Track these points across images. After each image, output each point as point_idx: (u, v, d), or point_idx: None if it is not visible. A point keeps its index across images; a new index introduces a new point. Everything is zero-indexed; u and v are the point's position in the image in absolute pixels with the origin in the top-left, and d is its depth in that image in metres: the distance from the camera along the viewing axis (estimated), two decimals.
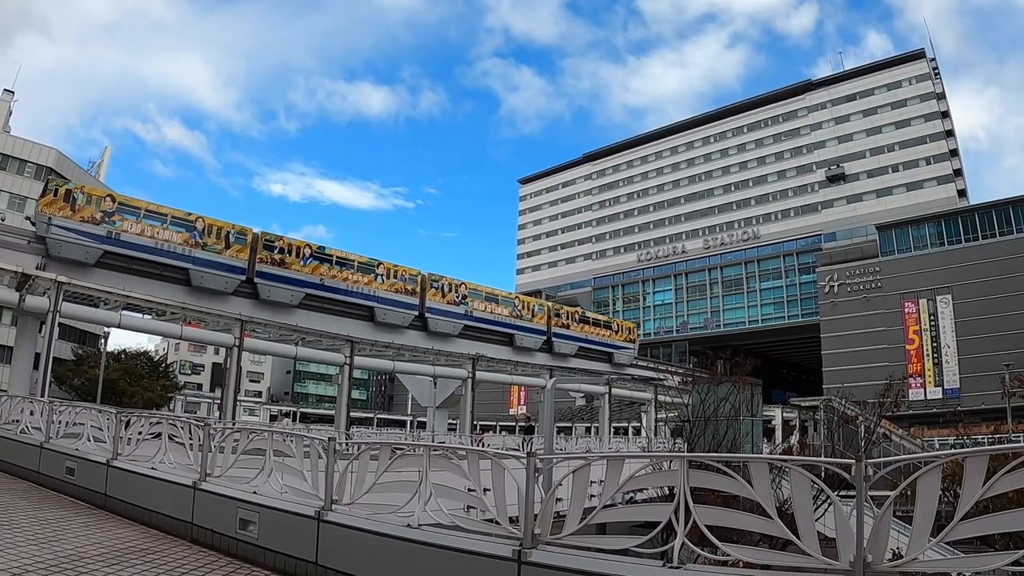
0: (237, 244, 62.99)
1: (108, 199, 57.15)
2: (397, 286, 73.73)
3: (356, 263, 71.45)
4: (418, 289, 75.34)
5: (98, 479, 14.01)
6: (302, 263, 67.04)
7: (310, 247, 68.88)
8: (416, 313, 74.47)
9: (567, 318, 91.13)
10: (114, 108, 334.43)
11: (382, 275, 72.95)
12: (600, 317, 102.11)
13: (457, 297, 78.65)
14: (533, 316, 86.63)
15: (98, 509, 13.42)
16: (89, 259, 54.57)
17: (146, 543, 10.54)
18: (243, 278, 63.15)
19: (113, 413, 15.34)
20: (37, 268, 42.91)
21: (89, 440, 15.86)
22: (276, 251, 65.72)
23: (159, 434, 13.76)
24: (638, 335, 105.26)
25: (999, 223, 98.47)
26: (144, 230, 57.73)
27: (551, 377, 52.95)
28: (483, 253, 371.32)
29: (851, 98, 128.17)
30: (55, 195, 54.51)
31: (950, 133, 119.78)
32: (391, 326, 71.46)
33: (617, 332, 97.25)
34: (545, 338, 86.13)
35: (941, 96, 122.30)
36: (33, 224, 54.94)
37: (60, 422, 17.29)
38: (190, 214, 61.53)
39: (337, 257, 70.46)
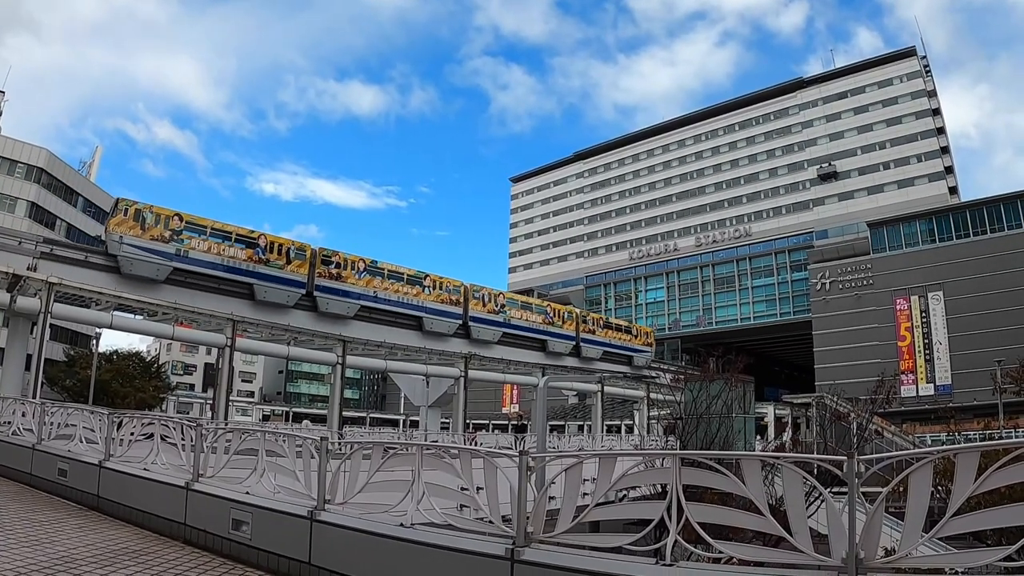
0: (297, 259, 65.59)
1: (176, 218, 58.85)
2: (443, 297, 76.76)
3: (405, 275, 74.16)
4: (461, 299, 78.31)
5: (91, 480, 13.97)
6: (356, 276, 69.81)
7: (363, 261, 71.49)
8: (460, 322, 77.26)
9: (593, 324, 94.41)
10: (104, 108, 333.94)
11: (429, 287, 75.86)
12: (621, 322, 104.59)
13: (496, 306, 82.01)
14: (563, 323, 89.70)
15: (91, 511, 13.38)
16: (159, 276, 56.64)
17: (139, 544, 10.51)
18: (303, 292, 65.67)
19: (105, 414, 15.29)
20: (28, 269, 42.77)
21: (81, 441, 15.80)
22: (333, 266, 68.24)
23: (151, 435, 13.74)
24: (654, 339, 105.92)
25: (990, 220, 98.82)
26: (210, 247, 60.09)
27: (543, 375, 52.99)
28: (476, 252, 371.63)
29: (842, 96, 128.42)
30: (125, 214, 56.04)
31: (941, 130, 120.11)
32: (437, 334, 73.81)
33: (636, 336, 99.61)
34: (574, 343, 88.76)
35: (932, 94, 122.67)
36: (103, 242, 56.80)
37: (52, 423, 17.26)
38: (253, 231, 64.15)
39: (388, 270, 73.06)
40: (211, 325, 45.29)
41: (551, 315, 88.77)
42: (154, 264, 56.41)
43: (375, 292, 70.78)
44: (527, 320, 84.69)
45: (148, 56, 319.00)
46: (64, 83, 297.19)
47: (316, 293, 66.55)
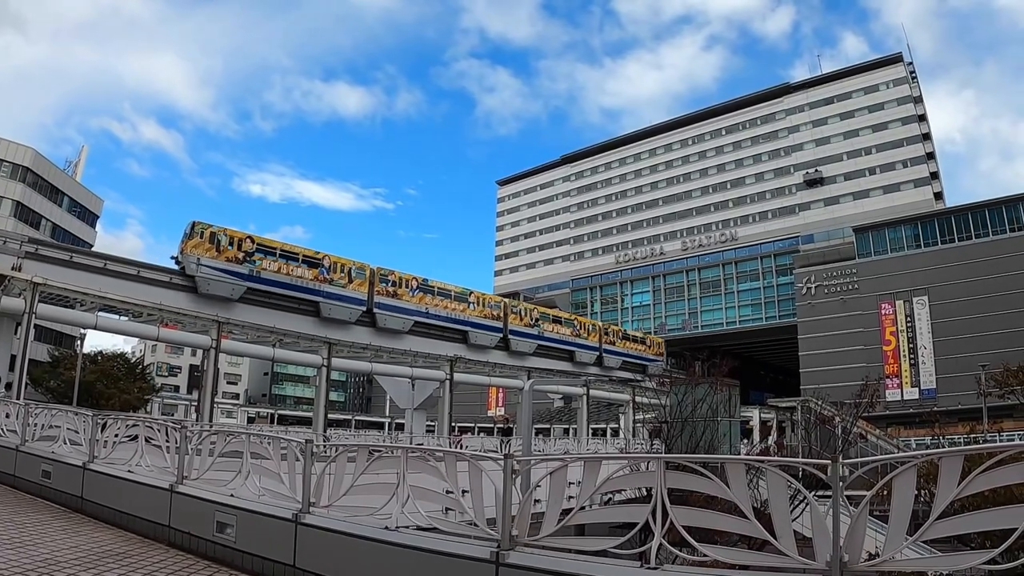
0: (358, 278, 70.55)
1: (248, 240, 63.21)
2: (485, 312, 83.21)
3: (452, 292, 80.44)
4: (501, 314, 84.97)
5: (74, 482, 13.91)
6: (411, 294, 75.48)
7: (416, 279, 77.10)
8: (500, 335, 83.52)
9: (613, 335, 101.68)
10: (89, 107, 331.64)
11: (473, 303, 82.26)
12: (637, 334, 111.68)
13: (531, 320, 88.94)
14: (588, 335, 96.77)
15: (75, 512, 13.32)
16: (234, 295, 60.84)
17: (123, 547, 10.47)
18: (364, 309, 70.45)
19: (89, 416, 15.23)
20: (13, 269, 42.58)
21: (65, 443, 15.75)
22: (389, 284, 73.56)
23: (136, 437, 13.69)
24: (665, 349, 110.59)
25: (975, 225, 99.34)
26: (280, 268, 64.80)
27: (529, 378, 53.03)
28: (463, 254, 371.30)
29: (829, 101, 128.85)
30: (201, 237, 59.85)
31: (927, 136, 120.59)
32: (480, 347, 79.21)
33: (650, 347, 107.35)
34: (597, 354, 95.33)
35: (918, 99, 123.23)
36: (178, 263, 59.79)
37: (36, 424, 17.17)
38: (318, 253, 68.96)
39: (438, 288, 78.97)
40: (196, 327, 45.14)
41: (578, 328, 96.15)
42: (229, 284, 60.72)
43: (427, 308, 76.14)
44: (558, 333, 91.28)
45: (134, 55, 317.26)
46: (49, 81, 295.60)
47: (375, 310, 71.35)
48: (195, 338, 45.71)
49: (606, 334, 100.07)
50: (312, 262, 67.43)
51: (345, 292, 68.94)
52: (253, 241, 63.68)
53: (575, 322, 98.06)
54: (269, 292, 63.50)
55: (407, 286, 75.57)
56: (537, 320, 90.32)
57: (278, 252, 65.39)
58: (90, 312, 41.90)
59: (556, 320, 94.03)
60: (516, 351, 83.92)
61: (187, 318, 46.07)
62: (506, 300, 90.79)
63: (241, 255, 61.70)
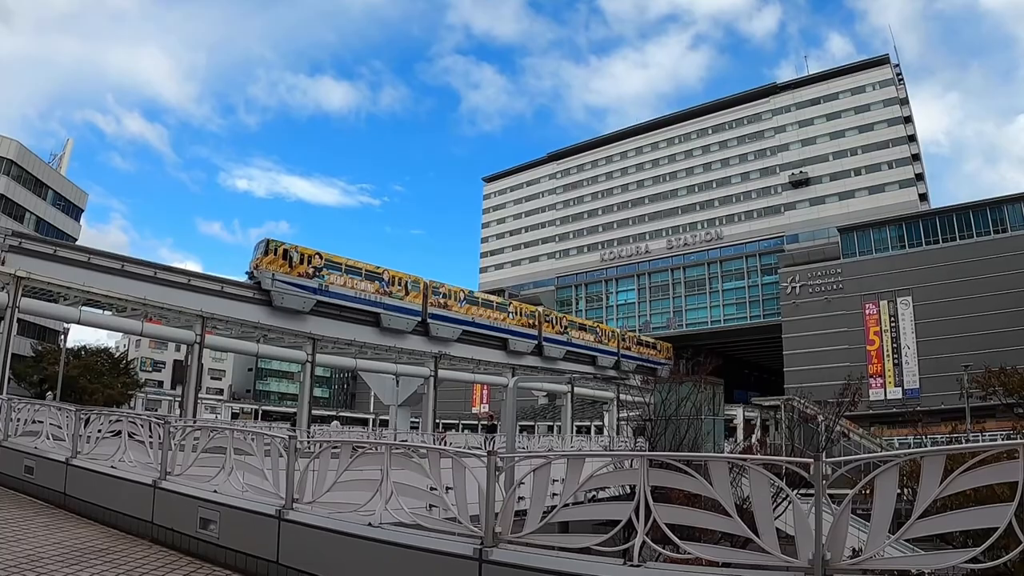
0: (413, 291, 77.74)
1: (317, 256, 69.56)
2: (523, 321, 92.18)
3: (495, 303, 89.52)
4: (536, 323, 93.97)
5: (57, 478, 13.84)
6: (459, 305, 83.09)
7: (463, 291, 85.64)
8: (535, 342, 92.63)
9: (629, 342, 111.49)
10: (73, 99, 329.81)
11: (512, 312, 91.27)
12: (649, 339, 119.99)
13: (561, 328, 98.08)
14: (609, 341, 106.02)
15: (57, 508, 13.26)
16: (305, 308, 67.21)
17: (106, 543, 10.43)
18: (419, 319, 77.71)
19: (72, 411, 15.15)
20: None
21: (48, 438, 15.67)
22: (440, 296, 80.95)
23: (119, 432, 13.62)
24: (673, 352, 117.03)
25: (959, 227, 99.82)
26: (345, 282, 71.32)
27: (513, 375, 53.02)
28: (449, 251, 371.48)
29: (815, 102, 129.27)
30: (275, 254, 66.13)
31: (912, 138, 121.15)
32: (518, 353, 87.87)
33: (660, 351, 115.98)
34: (616, 358, 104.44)
35: (904, 101, 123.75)
36: (251, 277, 66.19)
37: (19, 419, 17.07)
38: (378, 268, 75.57)
39: (482, 299, 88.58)
40: (180, 321, 44.95)
41: (600, 334, 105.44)
42: (301, 298, 67.03)
43: (473, 318, 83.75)
44: (583, 339, 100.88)
45: (118, 47, 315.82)
46: (32, 73, 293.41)
47: (429, 320, 78.63)
48: (179, 333, 45.48)
49: (623, 340, 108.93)
50: (373, 276, 73.90)
51: (402, 304, 76.03)
52: (321, 257, 69.60)
53: (597, 329, 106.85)
54: (336, 305, 69.60)
55: (455, 298, 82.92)
56: (566, 327, 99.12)
57: (343, 267, 71.60)
58: (74, 306, 41.66)
59: (581, 327, 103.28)
60: (549, 356, 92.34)
61: (171, 313, 45.77)
62: (539, 310, 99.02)
63: (311, 270, 67.88)
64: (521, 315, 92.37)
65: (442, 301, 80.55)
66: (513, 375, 59.43)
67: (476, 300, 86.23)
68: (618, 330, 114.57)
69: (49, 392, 53.42)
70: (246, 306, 60.72)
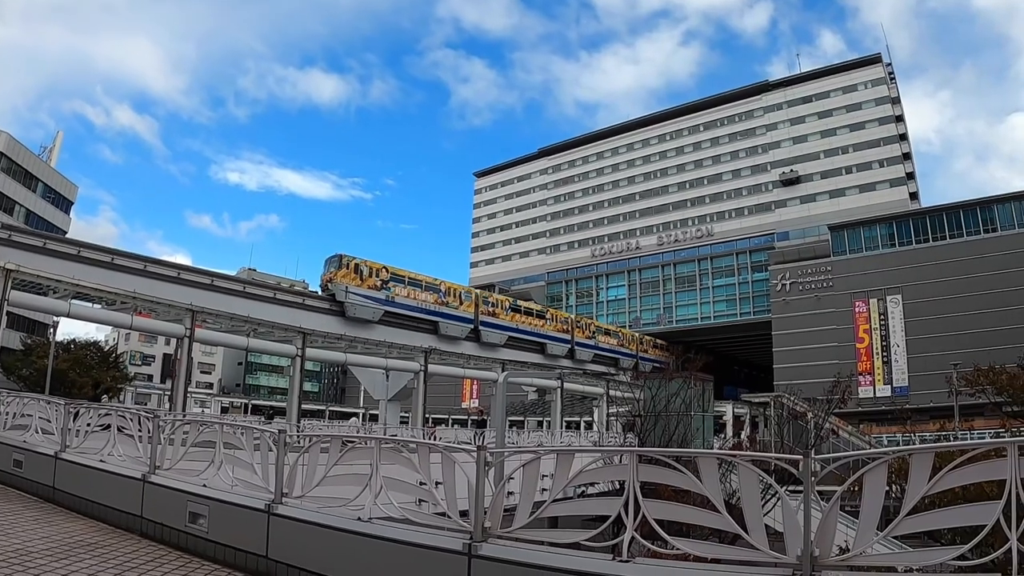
0: (466, 301, 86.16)
1: (384, 270, 76.94)
2: (558, 327, 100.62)
3: (535, 311, 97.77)
4: (569, 328, 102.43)
5: (46, 472, 13.78)
6: (505, 313, 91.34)
7: (508, 300, 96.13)
8: (568, 347, 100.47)
9: (646, 344, 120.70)
10: (62, 90, 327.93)
11: (549, 319, 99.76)
12: (662, 342, 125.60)
13: (590, 333, 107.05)
14: (630, 344, 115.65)
15: (46, 502, 13.21)
16: (374, 318, 73.58)
17: (95, 537, 10.39)
18: (471, 327, 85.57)
19: (62, 404, 15.10)
20: None
21: (37, 432, 15.60)
22: (489, 305, 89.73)
23: (108, 426, 13.58)
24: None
25: (949, 226, 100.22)
26: (409, 293, 79.08)
27: (503, 371, 52.98)
28: (440, 246, 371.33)
29: (807, 100, 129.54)
30: (348, 268, 73.27)
31: (903, 137, 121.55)
32: (554, 356, 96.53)
33: (671, 353, 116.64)
34: (634, 360, 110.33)
35: (896, 100, 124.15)
36: (324, 289, 74.39)
37: (8, 413, 17.01)
38: (436, 280, 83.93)
39: (524, 307, 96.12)
40: (170, 315, 44.77)
41: (622, 338, 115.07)
42: (371, 308, 73.74)
43: (516, 325, 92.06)
44: (608, 343, 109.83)
45: (107, 38, 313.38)
46: (21, 64, 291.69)
47: (480, 327, 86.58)
48: (168, 327, 45.28)
49: (641, 343, 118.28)
50: (431, 287, 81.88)
51: (457, 313, 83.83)
52: (388, 271, 77.07)
53: (619, 333, 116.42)
54: (401, 315, 76.82)
55: (501, 307, 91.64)
56: (594, 332, 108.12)
57: (407, 280, 79.50)
58: (63, 299, 41.49)
59: (606, 332, 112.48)
60: (579, 359, 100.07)
61: (161, 306, 45.60)
62: (572, 316, 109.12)
63: (379, 283, 75.20)
64: (557, 321, 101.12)
65: (490, 310, 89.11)
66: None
67: (519, 308, 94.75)
68: (636, 334, 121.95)
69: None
70: (323, 317, 67.77)
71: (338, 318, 69.71)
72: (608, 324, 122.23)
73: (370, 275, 74.33)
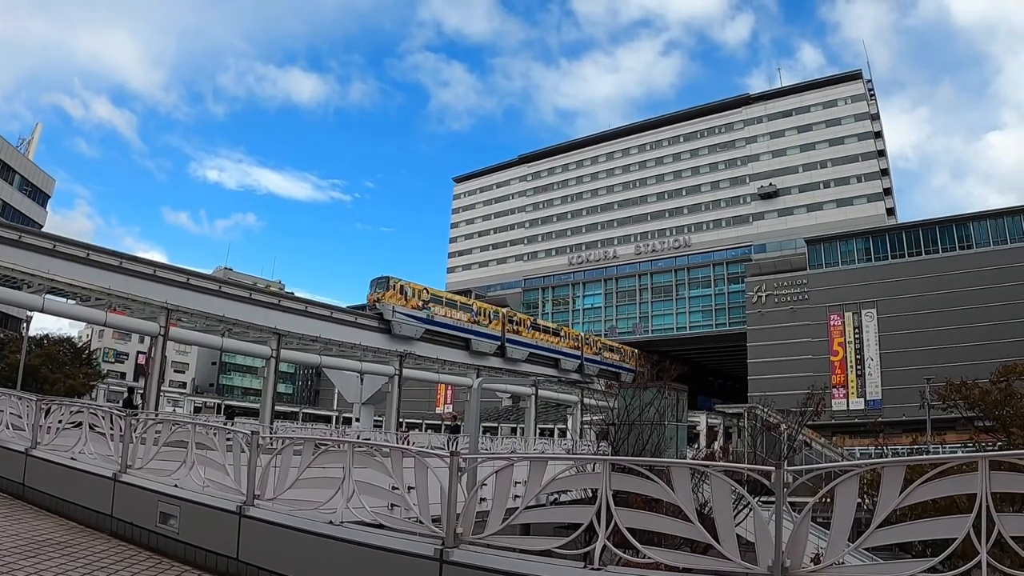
0: (495, 320, 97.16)
1: (424, 291, 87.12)
2: (570, 343, 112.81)
3: (551, 329, 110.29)
4: (580, 345, 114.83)
5: (16, 468, 13.64)
6: (527, 331, 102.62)
7: (529, 319, 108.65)
8: (579, 362, 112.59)
9: (644, 360, 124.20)
10: (40, 82, 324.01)
11: (563, 336, 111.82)
12: (656, 356, 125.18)
13: (597, 349, 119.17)
14: (630, 360, 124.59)
15: (16, 500, 13.07)
16: (416, 335, 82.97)
17: (65, 536, 10.30)
18: (499, 344, 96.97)
19: (33, 400, 14.96)
20: None
21: (8, 428, 15.46)
22: (514, 323, 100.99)
23: (80, 423, 13.47)
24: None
25: (925, 242, 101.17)
26: (446, 313, 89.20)
27: (478, 376, 53.01)
28: (418, 250, 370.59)
29: (787, 114, 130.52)
30: (394, 289, 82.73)
31: (882, 153, 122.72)
32: (566, 370, 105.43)
33: (674, 368, 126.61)
34: (634, 375, 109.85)
35: (875, 116, 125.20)
36: (371, 308, 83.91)
37: None
38: (469, 300, 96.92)
39: (542, 326, 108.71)
40: (145, 312, 44.45)
41: (623, 354, 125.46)
42: (414, 327, 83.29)
43: (536, 342, 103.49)
44: (612, 359, 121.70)
45: (87, 30, 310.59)
46: None
47: (506, 344, 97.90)
48: (143, 324, 44.93)
49: (640, 360, 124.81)
50: (465, 307, 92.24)
51: (487, 331, 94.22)
52: (428, 292, 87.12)
53: (621, 350, 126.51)
54: (438, 332, 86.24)
55: (524, 325, 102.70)
56: (600, 349, 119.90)
57: (444, 300, 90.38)
58: (37, 294, 41.13)
59: (611, 349, 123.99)
60: (587, 374, 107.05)
61: (136, 304, 45.27)
62: (581, 334, 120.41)
63: (420, 303, 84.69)
64: (569, 339, 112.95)
65: (515, 328, 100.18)
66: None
67: (538, 327, 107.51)
68: (636, 350, 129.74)
69: None
70: (371, 334, 75.26)
71: (385, 335, 77.89)
72: (612, 341, 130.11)
73: (413, 296, 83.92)
